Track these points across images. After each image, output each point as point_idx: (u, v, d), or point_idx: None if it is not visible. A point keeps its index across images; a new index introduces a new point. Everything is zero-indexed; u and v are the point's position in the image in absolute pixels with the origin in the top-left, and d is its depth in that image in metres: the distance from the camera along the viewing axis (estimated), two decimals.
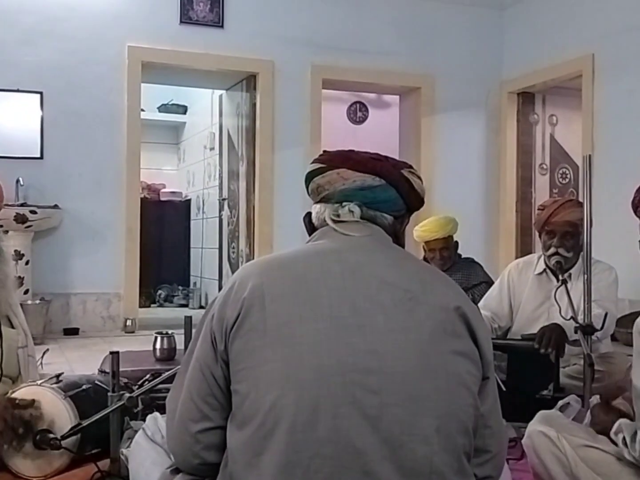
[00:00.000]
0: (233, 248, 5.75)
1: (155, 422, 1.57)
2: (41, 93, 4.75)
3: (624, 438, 1.64)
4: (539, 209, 3.12)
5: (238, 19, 5.10)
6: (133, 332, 4.90)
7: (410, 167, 1.39)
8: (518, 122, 5.79)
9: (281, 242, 5.10)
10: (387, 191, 1.33)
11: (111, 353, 1.91)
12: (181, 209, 7.42)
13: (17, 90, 4.70)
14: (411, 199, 1.37)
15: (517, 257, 5.61)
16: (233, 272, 5.75)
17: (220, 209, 6.12)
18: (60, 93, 4.78)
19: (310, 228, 1.41)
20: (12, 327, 2.44)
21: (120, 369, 1.93)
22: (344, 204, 1.33)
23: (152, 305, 6.80)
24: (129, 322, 4.93)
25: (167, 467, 1.36)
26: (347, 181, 1.32)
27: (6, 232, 4.19)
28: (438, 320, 1.20)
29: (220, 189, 6.16)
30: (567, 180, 5.97)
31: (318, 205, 1.38)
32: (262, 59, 5.14)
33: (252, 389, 1.16)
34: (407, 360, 1.16)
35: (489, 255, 5.46)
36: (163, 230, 7.11)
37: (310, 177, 1.38)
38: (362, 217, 1.32)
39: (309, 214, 1.42)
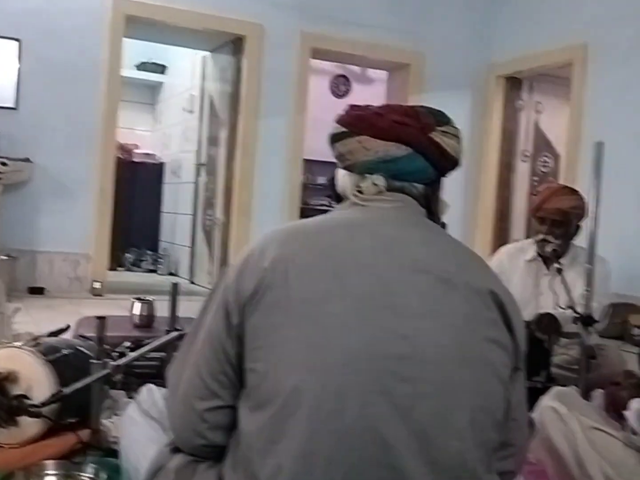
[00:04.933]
0: (209, 215, 5.61)
1: (150, 394, 1.46)
2: (19, 40, 4.53)
3: (629, 427, 1.61)
4: (534, 195, 3.08)
5: None
6: (100, 295, 4.76)
7: (446, 123, 1.23)
8: (504, 107, 5.74)
9: (260, 211, 4.99)
10: (414, 161, 1.20)
11: (97, 318, 1.80)
12: (154, 172, 7.21)
13: None
14: (442, 165, 1.23)
15: (494, 243, 5.61)
16: (208, 240, 5.67)
17: (197, 175, 5.96)
18: (39, 42, 4.56)
19: (335, 194, 1.30)
20: None
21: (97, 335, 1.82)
22: (366, 175, 1.20)
23: (118, 268, 6.63)
24: (96, 285, 4.79)
25: (166, 444, 1.26)
26: (370, 152, 1.19)
27: None
28: (473, 305, 1.11)
29: (198, 154, 5.99)
30: (548, 168, 5.95)
31: (342, 172, 1.27)
32: (251, 21, 4.98)
33: (272, 369, 1.05)
34: (442, 347, 1.07)
35: (466, 240, 5.42)
36: (134, 192, 6.91)
37: (332, 141, 1.26)
38: (389, 189, 1.20)
39: (334, 177, 1.30)
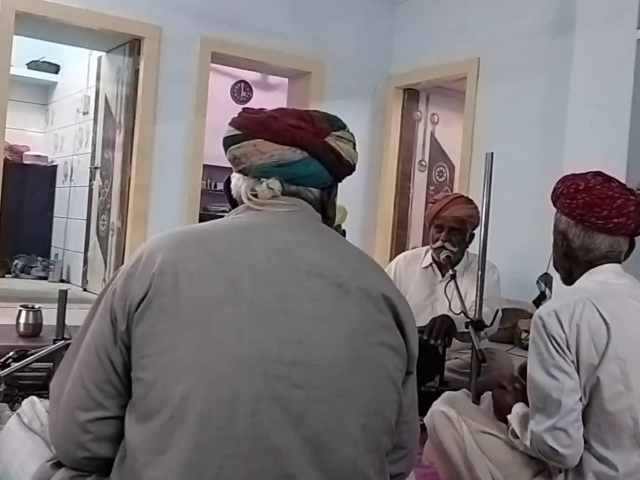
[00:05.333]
0: (103, 220, 5.42)
1: (32, 407, 1.38)
2: None
3: (517, 425, 1.67)
4: (430, 203, 3.15)
5: None
6: None
7: (341, 128, 1.23)
8: (402, 118, 5.87)
9: (157, 217, 4.86)
10: (309, 165, 1.19)
11: None
12: (46, 175, 6.90)
13: None
14: (338, 170, 1.23)
15: (392, 250, 5.72)
16: (102, 246, 5.47)
17: (92, 179, 5.75)
18: None
19: (230, 198, 1.27)
20: None
21: None
22: (261, 179, 1.18)
23: (6, 275, 6.30)
24: None
25: (47, 460, 1.19)
26: (265, 155, 1.17)
27: None
28: (367, 309, 1.12)
29: (93, 157, 5.78)
30: (443, 178, 6.14)
31: (237, 176, 1.24)
32: (149, 23, 4.85)
33: (159, 378, 1.02)
34: (336, 352, 1.07)
35: (365, 247, 5.50)
36: (23, 195, 6.58)
37: (225, 144, 1.24)
38: (284, 193, 1.20)
39: (229, 181, 1.27)
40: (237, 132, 1.21)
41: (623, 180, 3.50)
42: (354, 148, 1.27)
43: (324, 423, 1.03)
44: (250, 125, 1.20)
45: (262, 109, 1.26)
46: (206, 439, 0.98)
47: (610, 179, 1.69)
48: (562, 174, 1.79)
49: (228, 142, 1.22)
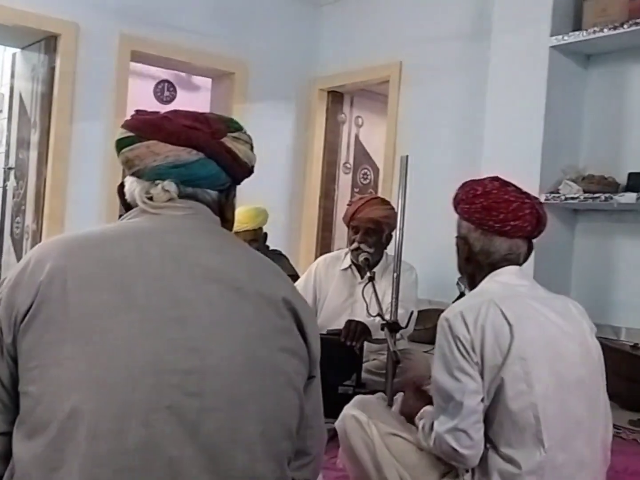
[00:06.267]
0: (17, 223, 5.22)
1: None
2: None
3: (423, 426, 1.69)
4: (347, 205, 3.17)
5: None
6: None
7: (238, 129, 1.22)
8: (327, 120, 5.88)
9: (74, 219, 4.71)
10: (206, 166, 1.17)
11: None
12: None
13: None
14: (235, 171, 1.22)
15: (317, 252, 5.73)
16: (16, 249, 5.27)
17: (5, 179, 5.53)
18: None
19: (124, 203, 1.23)
20: None
21: None
22: (156, 182, 1.15)
23: None
24: None
25: None
26: (159, 157, 1.14)
27: None
28: (266, 314, 1.10)
29: (7, 157, 5.56)
30: (368, 180, 6.19)
31: (130, 179, 1.20)
32: (65, 19, 4.70)
33: (47, 391, 0.97)
34: (233, 359, 1.04)
35: (291, 249, 5.49)
36: None
37: (118, 147, 1.20)
38: (180, 196, 1.17)
39: (122, 185, 1.23)
40: (129, 134, 1.18)
41: (537, 183, 3.66)
42: (252, 150, 1.26)
43: (220, 431, 1.01)
44: (144, 127, 1.17)
45: (156, 111, 1.23)
46: (97, 453, 0.95)
47: (506, 184, 1.73)
48: (481, 177, 1.82)
49: (120, 144, 1.18)
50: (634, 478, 2.37)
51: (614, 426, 2.85)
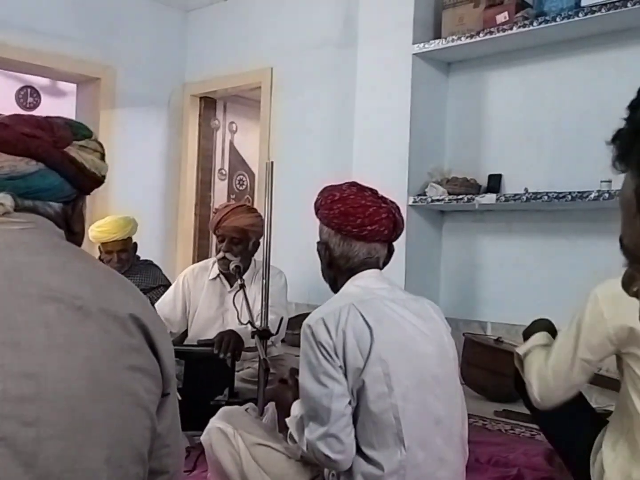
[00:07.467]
0: None
1: None
2: None
3: (290, 435, 1.68)
4: (213, 213, 3.13)
5: None
6: None
7: (86, 137, 1.16)
8: (200, 126, 5.80)
9: None
10: (46, 177, 1.10)
11: None
12: None
13: None
14: (81, 182, 1.15)
15: (194, 260, 5.62)
16: None
17: None
18: None
19: None
20: None
21: None
22: None
23: None
24: None
25: None
26: None
27: None
28: (111, 332, 1.05)
29: None
30: (244, 186, 6.16)
31: None
32: None
33: None
34: (74, 382, 0.98)
35: (167, 258, 5.37)
36: None
37: None
38: (18, 209, 1.09)
39: None
40: None
41: (405, 186, 3.77)
42: (102, 158, 1.20)
43: (59, 460, 0.95)
44: None
45: None
46: None
47: (363, 189, 1.76)
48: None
49: None
50: (497, 468, 2.47)
51: (480, 417, 3.00)
